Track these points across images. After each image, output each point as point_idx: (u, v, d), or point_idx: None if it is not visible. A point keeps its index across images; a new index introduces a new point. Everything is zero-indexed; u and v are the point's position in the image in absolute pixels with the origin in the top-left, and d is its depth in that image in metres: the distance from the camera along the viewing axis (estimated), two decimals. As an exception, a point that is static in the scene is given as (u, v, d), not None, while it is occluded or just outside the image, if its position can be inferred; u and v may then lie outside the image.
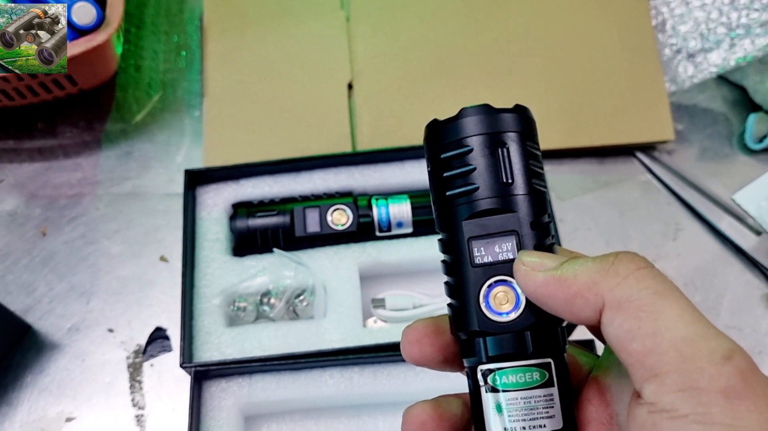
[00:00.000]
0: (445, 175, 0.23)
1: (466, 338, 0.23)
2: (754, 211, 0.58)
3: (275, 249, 0.52)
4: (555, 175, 0.60)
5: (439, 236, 0.24)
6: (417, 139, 0.57)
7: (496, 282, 0.22)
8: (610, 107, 0.60)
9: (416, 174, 0.55)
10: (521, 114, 0.23)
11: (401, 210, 0.52)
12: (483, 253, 0.22)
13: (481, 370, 0.22)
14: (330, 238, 0.52)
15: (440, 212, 0.24)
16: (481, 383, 0.22)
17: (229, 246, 0.53)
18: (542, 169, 0.23)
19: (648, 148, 0.61)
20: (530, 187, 0.22)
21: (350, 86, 0.61)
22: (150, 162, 0.60)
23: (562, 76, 0.61)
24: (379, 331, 0.50)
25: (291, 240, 0.52)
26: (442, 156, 0.23)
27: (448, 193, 0.23)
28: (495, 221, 0.22)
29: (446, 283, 0.24)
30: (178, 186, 0.54)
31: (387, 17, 0.63)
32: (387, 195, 0.54)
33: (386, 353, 0.47)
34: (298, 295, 0.51)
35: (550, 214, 0.23)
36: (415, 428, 0.24)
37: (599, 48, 0.61)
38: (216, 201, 0.54)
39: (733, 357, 0.18)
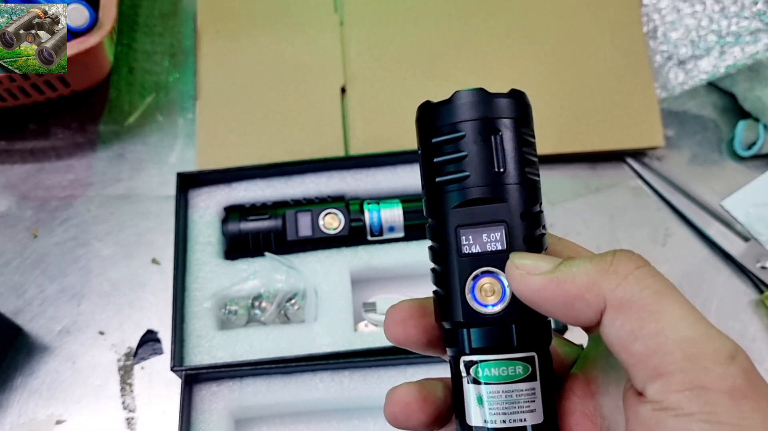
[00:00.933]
0: (435, 160, 0.22)
1: (450, 327, 0.23)
2: (743, 218, 0.59)
3: (267, 253, 0.52)
4: (546, 179, 0.60)
5: (428, 222, 0.23)
6: (410, 143, 0.58)
7: (482, 273, 0.22)
8: (601, 113, 0.60)
9: (408, 179, 0.55)
10: (517, 99, 0.22)
11: (393, 214, 0.53)
12: (471, 243, 0.22)
13: (463, 361, 0.22)
14: (322, 242, 0.52)
15: (429, 198, 0.23)
16: (464, 374, 0.22)
17: (220, 250, 0.53)
18: (536, 156, 0.23)
19: (638, 154, 0.62)
20: (523, 176, 0.22)
21: (343, 90, 0.61)
22: (142, 164, 0.60)
23: (554, 82, 0.61)
24: (370, 335, 0.50)
25: (283, 244, 0.52)
26: (434, 140, 0.22)
27: (437, 179, 0.22)
28: (485, 210, 0.22)
29: (432, 270, 0.23)
30: (171, 188, 0.54)
31: (381, 21, 0.63)
32: (379, 199, 0.54)
33: (377, 357, 0.48)
34: (290, 299, 0.52)
35: (541, 203, 0.23)
36: (399, 409, 0.23)
37: (591, 54, 0.62)
38: (208, 204, 0.54)
39: (736, 357, 0.18)
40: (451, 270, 0.22)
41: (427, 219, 0.23)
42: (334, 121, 0.60)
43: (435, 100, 0.23)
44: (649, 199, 0.60)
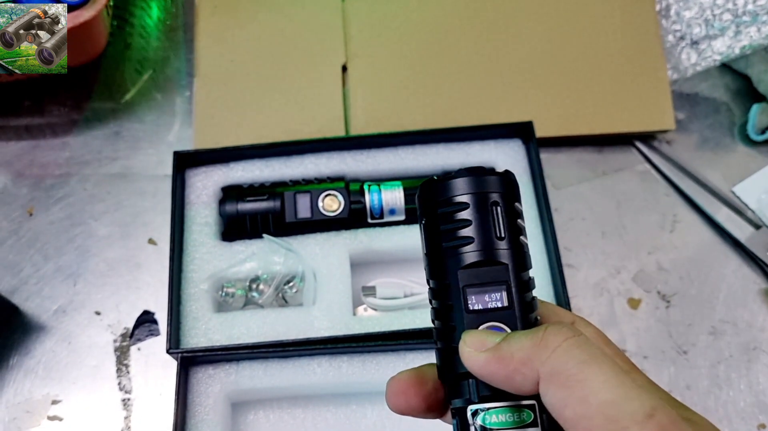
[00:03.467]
0: (442, 227, 0.25)
1: (454, 380, 0.25)
2: (754, 204, 0.57)
3: (265, 235, 0.51)
4: (552, 163, 0.59)
5: (430, 284, 0.26)
6: (412, 124, 0.56)
7: (488, 327, 0.24)
8: (609, 95, 0.59)
9: (410, 160, 0.54)
10: (509, 176, 0.26)
11: (394, 196, 0.52)
12: (474, 301, 0.24)
13: (470, 410, 0.24)
14: (321, 224, 0.51)
15: (434, 262, 0.25)
16: (470, 422, 0.24)
17: (218, 231, 0.52)
18: (524, 226, 0.26)
19: (647, 137, 0.60)
20: (518, 241, 0.25)
21: (344, 68, 0.59)
22: (139, 142, 0.59)
23: (562, 62, 0.59)
24: (369, 320, 0.49)
25: (281, 225, 0.51)
26: (440, 210, 0.25)
27: (444, 244, 0.25)
28: (488, 272, 0.24)
29: (436, 329, 0.25)
30: (168, 167, 0.53)
31: (384, -3, 0.61)
32: (380, 181, 0.53)
33: (376, 342, 0.47)
34: (288, 282, 0.51)
35: (531, 266, 0.26)
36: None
37: (600, 33, 0.60)
38: (205, 184, 0.53)
39: (654, 415, 0.19)
40: (458, 325, 0.24)
41: (428, 282, 0.26)
42: (335, 100, 0.58)
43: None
44: (657, 183, 0.59)
